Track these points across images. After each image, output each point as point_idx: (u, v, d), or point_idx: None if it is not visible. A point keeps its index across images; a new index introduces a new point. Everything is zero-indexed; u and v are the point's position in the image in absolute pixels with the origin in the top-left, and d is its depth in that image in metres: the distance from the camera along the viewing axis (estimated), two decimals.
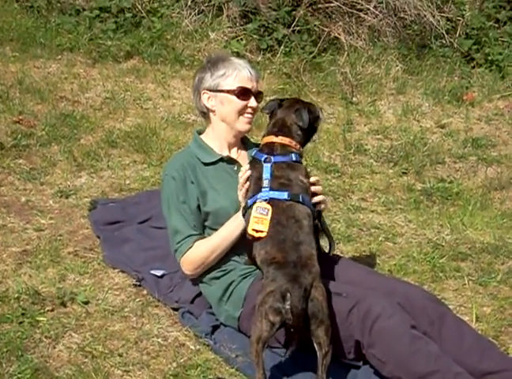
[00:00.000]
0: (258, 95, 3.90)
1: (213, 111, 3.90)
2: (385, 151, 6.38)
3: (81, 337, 3.67)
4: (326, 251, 3.83)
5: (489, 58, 8.29)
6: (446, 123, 7.11)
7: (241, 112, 3.85)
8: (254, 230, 3.42)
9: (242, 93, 3.83)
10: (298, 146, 3.70)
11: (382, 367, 3.36)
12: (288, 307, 3.18)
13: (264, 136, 3.77)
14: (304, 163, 3.78)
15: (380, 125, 6.95)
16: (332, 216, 5.13)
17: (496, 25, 8.69)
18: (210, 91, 3.88)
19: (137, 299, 4.04)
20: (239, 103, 3.84)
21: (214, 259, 3.75)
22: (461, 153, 6.52)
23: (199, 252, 3.74)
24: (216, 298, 3.79)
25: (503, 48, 8.39)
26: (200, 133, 4.01)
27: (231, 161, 3.91)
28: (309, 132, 3.79)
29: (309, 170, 4.05)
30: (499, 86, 7.94)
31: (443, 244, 4.92)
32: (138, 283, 4.16)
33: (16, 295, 3.89)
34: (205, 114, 3.95)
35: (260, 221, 3.42)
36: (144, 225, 4.74)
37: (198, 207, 3.80)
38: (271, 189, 3.50)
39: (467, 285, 4.48)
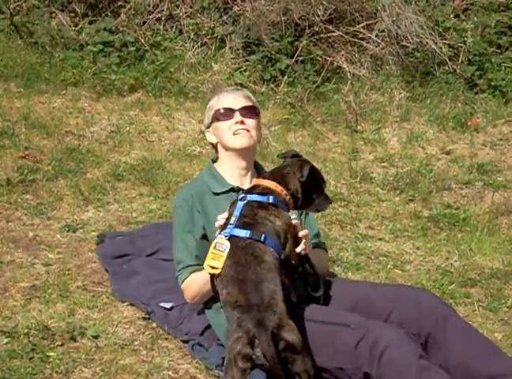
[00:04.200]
0: (245, 110, 3.93)
1: (217, 144, 4.01)
2: (391, 178, 6.38)
3: (92, 371, 3.66)
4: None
5: (492, 83, 8.28)
6: (451, 149, 7.12)
7: (231, 131, 3.90)
8: (209, 266, 3.36)
9: (223, 114, 3.92)
10: (284, 192, 3.54)
11: None
12: (259, 354, 3.10)
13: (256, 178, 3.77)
14: None
15: (385, 152, 6.95)
16: (339, 245, 5.13)
17: (498, 51, 8.68)
18: (207, 127, 4.03)
19: (147, 332, 4.04)
20: (223, 124, 3.92)
21: (209, 290, 3.63)
22: (467, 179, 6.52)
23: (194, 283, 3.76)
24: (223, 329, 3.75)
25: (506, 73, 8.37)
26: (214, 161, 4.07)
27: None
28: (307, 191, 3.62)
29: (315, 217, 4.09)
30: (503, 111, 7.93)
31: (452, 270, 4.91)
32: (147, 316, 4.15)
33: (25, 331, 3.88)
34: (215, 148, 4.06)
35: (216, 257, 3.34)
36: (152, 258, 4.72)
37: (204, 236, 3.81)
38: (236, 226, 3.42)
39: (477, 311, 4.46)
